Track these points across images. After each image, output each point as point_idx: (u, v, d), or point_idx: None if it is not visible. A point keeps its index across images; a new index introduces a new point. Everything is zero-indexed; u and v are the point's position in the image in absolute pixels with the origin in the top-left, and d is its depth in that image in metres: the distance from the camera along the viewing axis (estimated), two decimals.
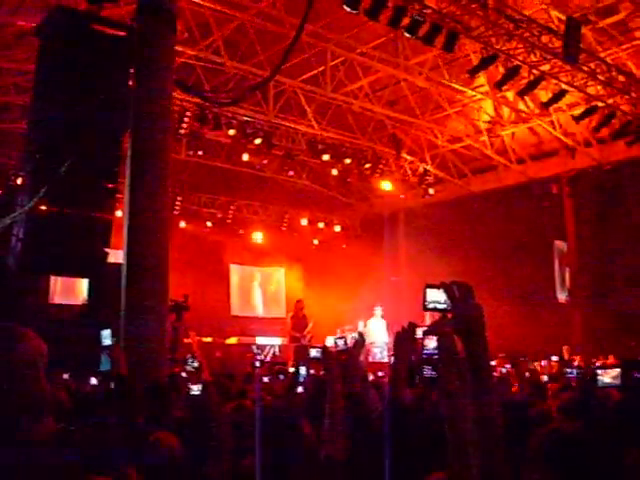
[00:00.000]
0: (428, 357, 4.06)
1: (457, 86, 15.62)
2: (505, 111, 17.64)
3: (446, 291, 2.53)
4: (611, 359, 13.54)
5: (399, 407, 3.81)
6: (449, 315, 2.55)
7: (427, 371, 4.07)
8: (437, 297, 2.61)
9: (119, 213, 11.20)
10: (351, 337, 14.93)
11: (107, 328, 4.49)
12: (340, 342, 4.06)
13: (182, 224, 20.15)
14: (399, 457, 3.46)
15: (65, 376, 9.21)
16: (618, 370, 3.32)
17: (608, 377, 3.17)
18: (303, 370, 7.79)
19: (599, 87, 14.29)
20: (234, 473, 3.87)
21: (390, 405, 3.84)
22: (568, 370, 9.29)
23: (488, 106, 17.61)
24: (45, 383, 2.14)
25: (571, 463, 2.66)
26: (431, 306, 2.63)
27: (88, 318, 14.74)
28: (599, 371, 2.92)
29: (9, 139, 15.49)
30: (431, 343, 4.03)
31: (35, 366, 2.13)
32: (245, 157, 17.95)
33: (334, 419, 3.78)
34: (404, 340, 4.05)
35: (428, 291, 2.64)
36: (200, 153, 17.67)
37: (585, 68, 13.50)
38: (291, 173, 19.46)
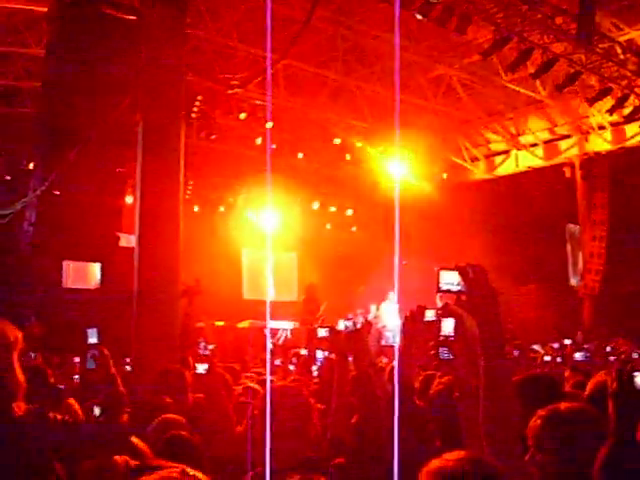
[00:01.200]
0: (444, 339, 4.06)
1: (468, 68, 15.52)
2: (518, 94, 17.50)
3: (461, 273, 2.53)
4: (621, 342, 13.50)
5: (407, 388, 3.80)
6: (462, 297, 2.56)
7: (443, 353, 4.07)
8: (451, 279, 2.61)
9: (129, 199, 11.19)
10: (361, 321, 14.97)
11: (94, 327, 4.61)
12: (349, 325, 4.06)
13: (196, 208, 20.15)
14: (407, 439, 3.45)
15: (76, 359, 9.24)
16: None
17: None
18: (320, 354, 7.81)
19: (613, 69, 14.17)
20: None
21: (398, 386, 3.84)
22: (577, 355, 9.29)
23: (502, 89, 17.47)
24: (18, 369, 2.14)
25: (571, 444, 2.65)
26: (445, 287, 2.63)
27: (101, 302, 14.81)
28: (636, 373, 2.86)
29: (20, 124, 15.50)
30: (447, 325, 4.02)
31: (8, 352, 2.12)
32: (258, 141, 17.90)
33: (341, 400, 3.78)
34: (413, 323, 4.04)
35: (442, 273, 2.64)
36: (213, 137, 17.63)
37: (599, 50, 13.38)
38: (301, 156, 19.30)
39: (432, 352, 4.22)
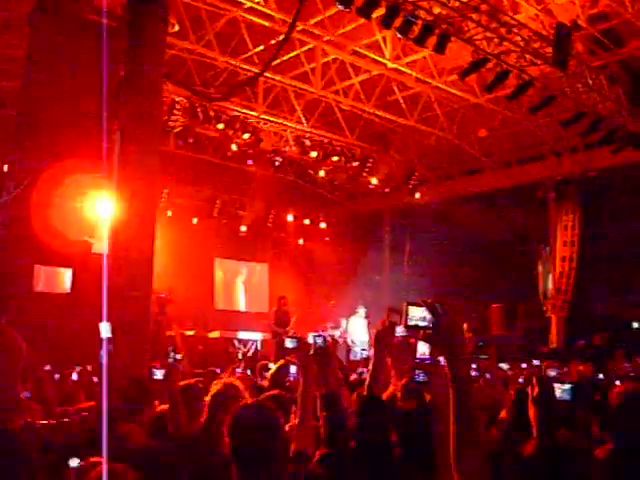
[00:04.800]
0: (420, 362, 4.10)
1: (446, 87, 15.65)
2: (493, 114, 17.68)
3: (429, 309, 2.55)
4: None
5: (377, 404, 3.85)
6: (429, 332, 2.58)
7: (419, 375, 4.12)
8: (419, 314, 2.61)
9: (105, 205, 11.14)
10: (329, 335, 14.97)
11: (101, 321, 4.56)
12: (319, 340, 4.08)
13: (169, 213, 20.04)
14: (382, 454, 3.51)
15: (47, 367, 9.15)
16: (569, 385, 3.37)
17: (560, 391, 3.23)
18: (293, 369, 7.79)
19: (588, 94, 14.38)
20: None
21: (368, 402, 3.89)
22: (551, 372, 9.37)
23: (475, 108, 17.64)
24: (19, 384, 2.14)
25: None
26: (412, 323, 2.63)
27: (70, 308, 14.69)
28: (556, 384, 2.96)
29: None
30: (423, 348, 4.07)
31: (16, 368, 2.12)
32: (234, 147, 17.83)
33: (306, 413, 3.81)
34: (383, 338, 4.09)
35: (410, 309, 2.63)
36: (190, 141, 17.54)
37: (574, 74, 13.58)
38: (277, 163, 19.20)
39: (408, 374, 4.27)
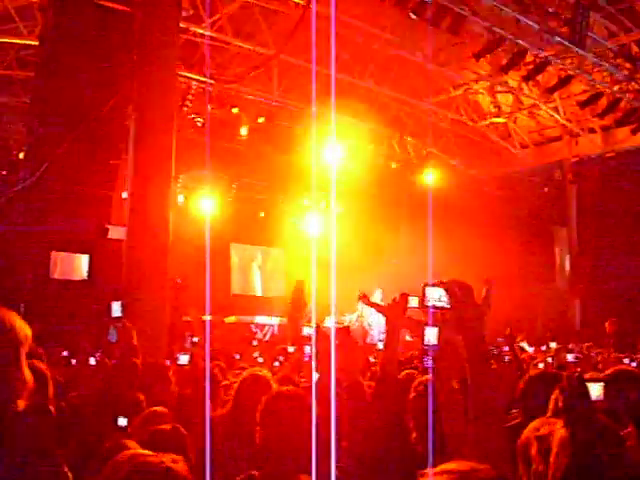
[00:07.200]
0: (428, 348, 4.10)
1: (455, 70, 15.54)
2: (509, 96, 17.54)
3: (447, 290, 2.56)
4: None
5: (392, 382, 3.83)
6: (447, 313, 2.59)
7: (427, 361, 4.11)
8: (436, 295, 2.65)
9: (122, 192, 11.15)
10: (348, 321, 14.96)
11: (117, 300, 4.62)
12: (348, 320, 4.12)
13: (180, 198, 20.00)
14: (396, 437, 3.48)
15: (64, 353, 9.20)
16: (601, 384, 3.03)
17: (593, 392, 2.91)
18: (308, 349, 7.82)
19: (605, 73, 14.23)
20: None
21: (382, 380, 3.88)
22: (569, 356, 9.35)
23: (492, 90, 17.50)
24: (25, 367, 2.14)
25: None
26: (430, 303, 2.67)
27: (88, 295, 14.75)
28: (589, 383, 2.68)
29: (11, 113, 15.43)
30: (430, 334, 4.06)
31: (16, 348, 2.12)
32: (243, 131, 17.75)
33: (325, 398, 3.81)
34: (396, 311, 4.07)
35: (427, 289, 2.69)
36: (205, 125, 17.46)
37: (591, 54, 13.43)
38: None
39: (416, 360, 4.26)
